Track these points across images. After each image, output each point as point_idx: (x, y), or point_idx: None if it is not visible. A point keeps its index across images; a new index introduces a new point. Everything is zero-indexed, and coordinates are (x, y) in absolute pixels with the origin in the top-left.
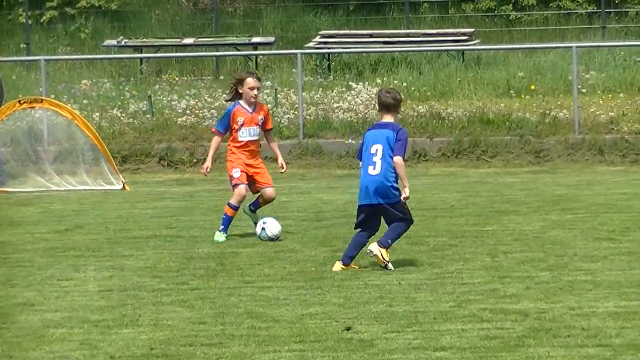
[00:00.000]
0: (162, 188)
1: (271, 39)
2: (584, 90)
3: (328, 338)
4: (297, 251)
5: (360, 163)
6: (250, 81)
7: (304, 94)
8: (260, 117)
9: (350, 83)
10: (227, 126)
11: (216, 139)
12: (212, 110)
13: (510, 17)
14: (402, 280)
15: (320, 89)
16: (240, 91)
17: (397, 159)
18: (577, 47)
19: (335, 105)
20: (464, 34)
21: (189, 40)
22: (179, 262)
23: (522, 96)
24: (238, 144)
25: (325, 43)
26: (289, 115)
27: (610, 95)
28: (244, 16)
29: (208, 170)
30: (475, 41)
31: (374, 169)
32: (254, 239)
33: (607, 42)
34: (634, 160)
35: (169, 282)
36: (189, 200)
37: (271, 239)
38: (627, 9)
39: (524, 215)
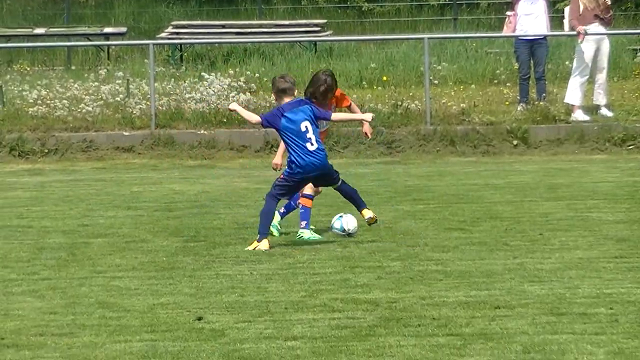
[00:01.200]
0: (14, 178)
1: (123, 29)
2: (435, 82)
3: (179, 328)
4: (149, 241)
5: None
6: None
7: (156, 84)
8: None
9: (202, 74)
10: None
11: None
12: (64, 101)
13: (363, 9)
14: (254, 270)
15: (173, 79)
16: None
17: (333, 116)
18: (428, 38)
19: (187, 95)
20: (316, 25)
21: (40, 30)
22: (29, 252)
23: (375, 87)
24: None
25: (177, 34)
26: (141, 106)
27: (461, 87)
28: (96, 6)
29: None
30: (328, 32)
31: (312, 144)
32: (105, 229)
33: (459, 34)
34: (484, 151)
35: (19, 273)
36: (40, 190)
37: (346, 233)
38: (478, 1)
39: (376, 206)
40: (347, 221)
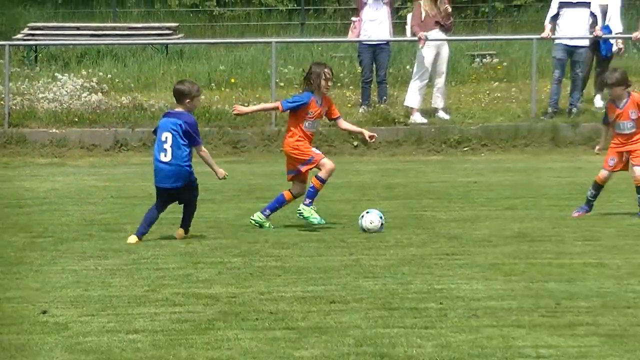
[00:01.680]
0: None
1: None
2: (281, 84)
3: (24, 321)
4: None
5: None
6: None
7: (10, 84)
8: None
9: (56, 74)
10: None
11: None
12: None
13: (214, 13)
14: (99, 265)
15: (27, 79)
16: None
17: (199, 150)
18: (276, 42)
19: (40, 95)
20: (168, 28)
21: None
22: None
23: (223, 89)
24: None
25: (33, 35)
26: None
27: None
28: None
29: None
30: (179, 35)
31: (165, 156)
32: None
33: (305, 38)
34: (326, 151)
35: None
36: None
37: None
38: (325, 7)
39: (220, 204)
40: (368, 220)
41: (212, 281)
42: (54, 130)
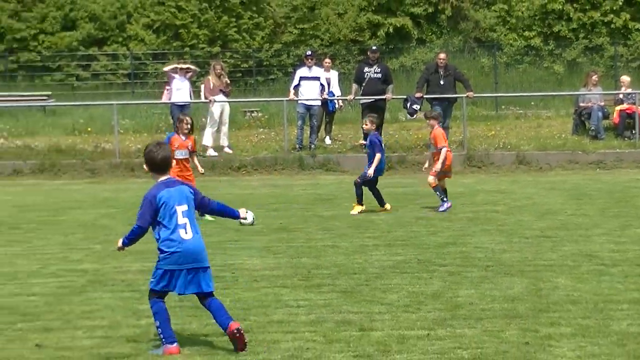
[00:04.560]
0: None
1: None
2: (121, 131)
3: None
4: None
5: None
6: (187, 119)
7: None
8: (190, 143)
9: None
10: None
11: None
12: None
13: (74, 85)
14: (7, 251)
15: None
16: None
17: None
18: (117, 104)
19: None
20: (45, 96)
21: None
22: None
23: (82, 134)
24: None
25: None
26: None
27: (138, 134)
28: None
29: None
30: (52, 100)
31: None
32: None
33: (136, 101)
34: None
35: None
36: None
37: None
38: (147, 81)
39: (84, 210)
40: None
41: (83, 260)
42: None
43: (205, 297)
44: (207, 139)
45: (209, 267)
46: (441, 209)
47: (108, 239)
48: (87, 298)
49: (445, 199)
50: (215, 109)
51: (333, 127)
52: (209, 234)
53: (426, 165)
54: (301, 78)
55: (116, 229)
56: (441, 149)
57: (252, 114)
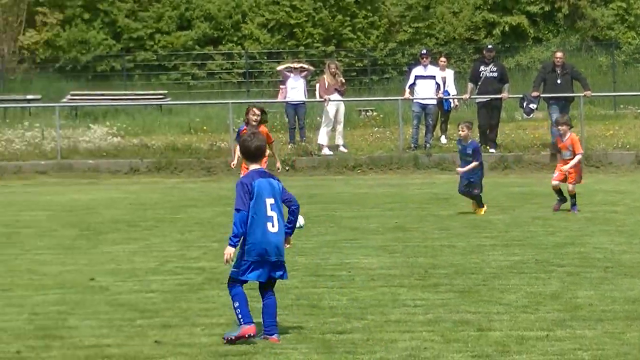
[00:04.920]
0: None
1: (39, 96)
2: (236, 130)
3: (79, 285)
4: (58, 231)
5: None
6: (254, 110)
7: (60, 131)
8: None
9: (90, 125)
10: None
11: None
12: (2, 142)
13: (190, 84)
14: (125, 249)
15: (71, 128)
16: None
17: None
18: (232, 103)
19: (80, 138)
20: (161, 94)
21: None
22: None
23: (198, 133)
24: None
25: (73, 99)
26: (51, 145)
27: None
28: (21, 81)
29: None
30: (168, 99)
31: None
32: (30, 223)
33: (251, 100)
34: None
35: None
36: None
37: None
38: (262, 80)
39: (201, 208)
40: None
41: (200, 258)
42: (90, 161)
43: (267, 288)
44: (322, 137)
45: (284, 260)
46: (576, 210)
47: (225, 237)
48: (204, 296)
49: (564, 200)
50: (330, 108)
51: (449, 126)
52: (325, 233)
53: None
54: (416, 77)
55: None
56: (577, 155)
57: (367, 113)
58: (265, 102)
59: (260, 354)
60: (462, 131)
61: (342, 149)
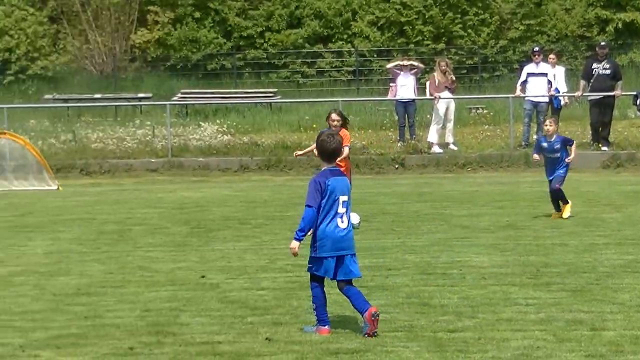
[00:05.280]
0: (82, 189)
1: (150, 94)
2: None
3: (190, 282)
4: (169, 228)
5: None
6: (333, 116)
7: (171, 129)
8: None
9: (200, 122)
10: None
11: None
12: (114, 139)
13: (299, 82)
14: (235, 247)
15: (182, 126)
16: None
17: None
18: (342, 100)
19: (191, 136)
20: (271, 92)
21: (98, 95)
22: (95, 234)
23: (308, 131)
24: None
25: (184, 97)
26: (162, 143)
27: (362, 131)
28: (133, 80)
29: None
30: (278, 97)
31: (342, 222)
32: (141, 220)
33: (361, 98)
34: (378, 171)
35: (88, 247)
36: (100, 196)
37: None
38: (372, 77)
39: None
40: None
41: (306, 256)
42: (200, 158)
43: (345, 283)
44: (432, 135)
45: (355, 253)
46: None
47: None
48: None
49: None
50: (441, 106)
51: (560, 124)
52: (435, 231)
53: None
54: (528, 74)
55: None
56: None
57: (477, 111)
58: (375, 100)
59: (372, 351)
60: (551, 126)
61: (452, 146)
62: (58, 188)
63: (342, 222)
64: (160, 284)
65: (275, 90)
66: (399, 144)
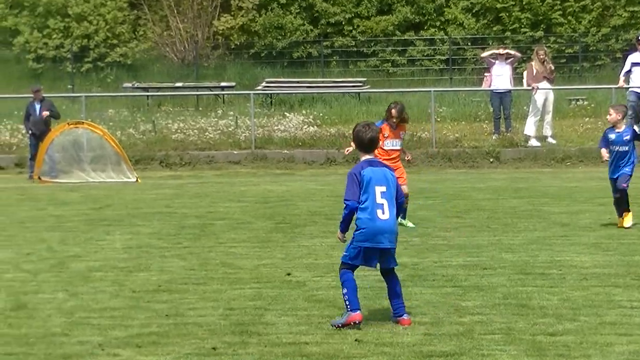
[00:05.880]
0: (162, 181)
1: (233, 83)
2: (438, 119)
3: (275, 280)
4: (253, 223)
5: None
6: (393, 112)
7: (254, 120)
8: (401, 132)
9: (285, 113)
10: None
11: None
12: (195, 130)
13: (389, 71)
14: (323, 242)
15: (266, 116)
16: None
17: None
18: (434, 91)
19: (275, 127)
20: (359, 82)
21: (179, 84)
22: (175, 229)
23: None
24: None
25: (268, 87)
26: (245, 134)
27: (455, 123)
28: (215, 68)
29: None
30: (367, 86)
31: (383, 213)
32: (223, 214)
33: (454, 88)
34: (471, 165)
35: (169, 242)
36: (180, 189)
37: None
38: (465, 67)
39: None
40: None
41: (401, 254)
42: (285, 151)
43: (387, 273)
44: (530, 128)
45: (395, 247)
46: None
47: (427, 232)
48: (406, 293)
49: None
50: (539, 97)
51: None
52: (533, 229)
53: None
54: (632, 64)
55: (435, 221)
56: None
57: (577, 102)
58: (468, 90)
59: (467, 355)
60: (616, 114)
61: (550, 140)
62: (137, 180)
63: (383, 213)
64: (244, 282)
65: (364, 79)
66: (493, 137)
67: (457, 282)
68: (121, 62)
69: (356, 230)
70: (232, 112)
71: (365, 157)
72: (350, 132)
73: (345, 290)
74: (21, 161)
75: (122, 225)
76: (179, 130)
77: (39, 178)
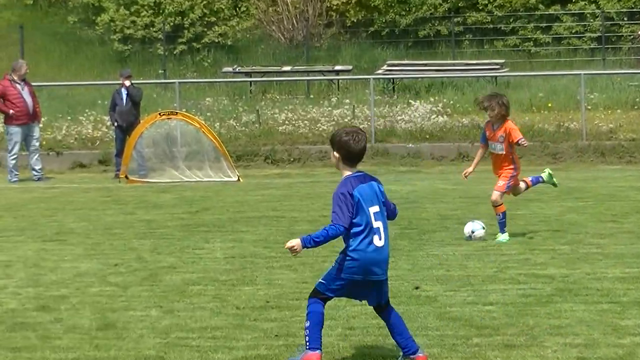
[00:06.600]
0: (267, 180)
1: (349, 67)
2: (589, 107)
3: (402, 294)
4: None
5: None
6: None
7: (374, 109)
8: (500, 134)
9: (410, 101)
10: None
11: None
12: (305, 121)
13: (531, 51)
14: (456, 251)
15: (387, 105)
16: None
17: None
18: (584, 74)
19: (398, 117)
20: (496, 64)
21: (286, 68)
22: (284, 236)
23: (542, 111)
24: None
25: (390, 70)
26: (363, 125)
27: (609, 111)
28: (328, 49)
29: (467, 174)
30: (505, 69)
31: (380, 239)
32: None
33: (607, 71)
34: (628, 160)
35: (277, 251)
36: (289, 189)
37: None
38: (620, 46)
39: (546, 203)
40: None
41: (547, 264)
42: (410, 145)
43: (382, 307)
44: None
45: (387, 278)
46: None
47: (577, 239)
48: (555, 310)
49: None
50: None
51: None
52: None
53: None
54: None
55: (586, 226)
56: None
57: None
58: (625, 72)
59: None
60: None
61: None
62: (239, 179)
63: (380, 239)
64: None
65: (502, 61)
66: None
67: (614, 297)
68: (220, 43)
69: (346, 261)
70: (348, 100)
71: (351, 170)
72: (482, 123)
73: (307, 324)
74: (106, 158)
75: (222, 232)
76: (286, 122)
77: (126, 177)
